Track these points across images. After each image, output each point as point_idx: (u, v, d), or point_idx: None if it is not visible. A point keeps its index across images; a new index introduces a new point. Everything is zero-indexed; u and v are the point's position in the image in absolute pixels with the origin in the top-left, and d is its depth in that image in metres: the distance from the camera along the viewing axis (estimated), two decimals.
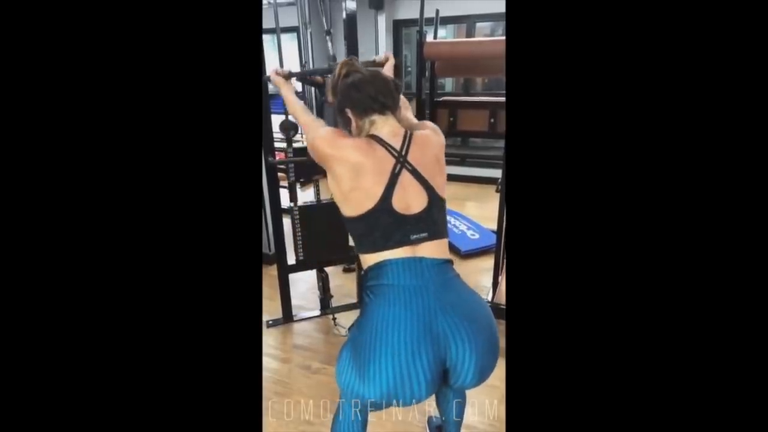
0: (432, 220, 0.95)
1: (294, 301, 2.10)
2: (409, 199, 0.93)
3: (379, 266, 0.93)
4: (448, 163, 1.07)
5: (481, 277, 2.43)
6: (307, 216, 1.89)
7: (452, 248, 2.57)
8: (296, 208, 1.88)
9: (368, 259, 0.96)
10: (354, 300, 2.20)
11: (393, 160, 0.94)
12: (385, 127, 0.98)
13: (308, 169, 1.87)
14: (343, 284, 2.37)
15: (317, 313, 2.14)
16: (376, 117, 0.99)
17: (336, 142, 0.95)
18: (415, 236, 0.92)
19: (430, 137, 1.01)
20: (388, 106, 1.00)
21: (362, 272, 0.99)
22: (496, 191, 2.07)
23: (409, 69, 4.61)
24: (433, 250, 0.94)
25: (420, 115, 2.57)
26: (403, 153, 0.95)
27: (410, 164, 0.94)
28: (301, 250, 1.92)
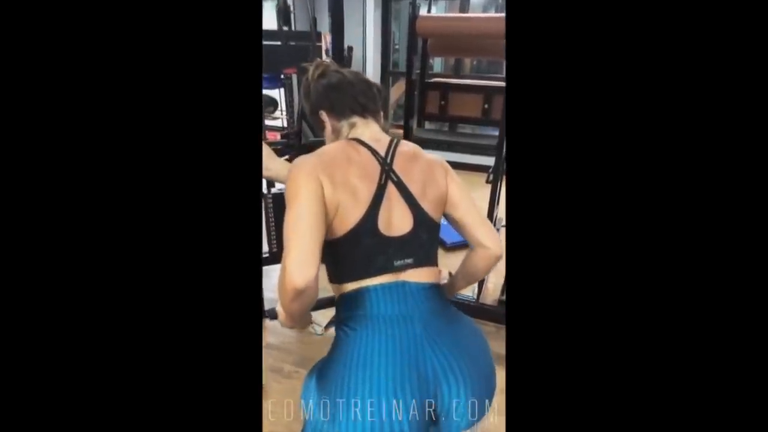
0: (419, 244, 0.79)
1: (266, 294, 1.93)
2: (394, 218, 0.77)
3: (354, 294, 0.77)
4: (435, 148, 0.90)
5: None
6: (281, 205, 1.70)
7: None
8: (270, 196, 1.69)
9: (342, 287, 0.79)
10: (332, 293, 2.04)
11: (378, 167, 0.78)
12: (367, 131, 0.84)
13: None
14: (319, 278, 2.20)
15: None
16: (356, 120, 0.85)
17: (318, 158, 0.76)
18: (399, 262, 0.76)
19: (421, 153, 0.85)
20: (371, 110, 0.87)
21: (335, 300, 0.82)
22: (487, 182, 1.92)
23: (397, 47, 4.38)
24: (419, 275, 0.78)
25: (409, 96, 2.38)
26: (388, 160, 0.79)
27: (396, 175, 0.78)
28: (275, 241, 1.73)
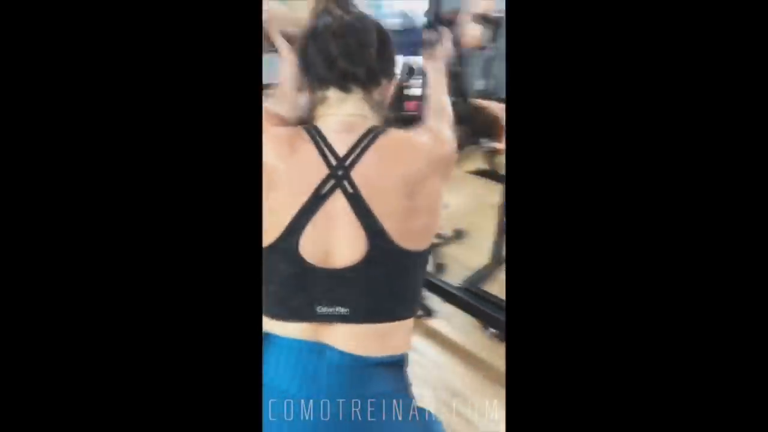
0: (368, 286, 0.55)
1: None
2: (334, 243, 0.55)
3: (264, 338, 0.57)
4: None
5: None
6: None
7: None
8: None
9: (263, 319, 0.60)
10: None
11: (324, 171, 0.56)
12: (339, 113, 0.60)
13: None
14: None
15: None
16: (332, 93, 0.60)
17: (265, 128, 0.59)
18: (324, 309, 0.54)
19: (411, 144, 0.61)
20: (356, 78, 0.59)
21: None
22: None
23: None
24: (355, 340, 0.55)
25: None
26: (347, 162, 0.56)
27: (351, 183, 0.55)
28: None
